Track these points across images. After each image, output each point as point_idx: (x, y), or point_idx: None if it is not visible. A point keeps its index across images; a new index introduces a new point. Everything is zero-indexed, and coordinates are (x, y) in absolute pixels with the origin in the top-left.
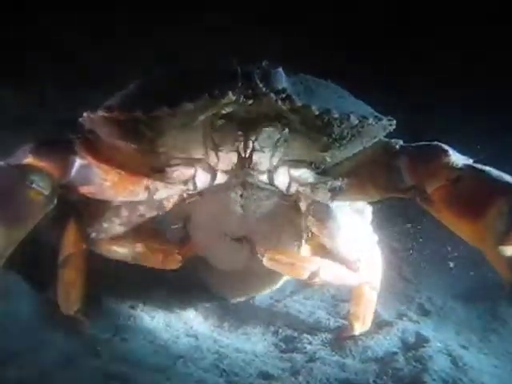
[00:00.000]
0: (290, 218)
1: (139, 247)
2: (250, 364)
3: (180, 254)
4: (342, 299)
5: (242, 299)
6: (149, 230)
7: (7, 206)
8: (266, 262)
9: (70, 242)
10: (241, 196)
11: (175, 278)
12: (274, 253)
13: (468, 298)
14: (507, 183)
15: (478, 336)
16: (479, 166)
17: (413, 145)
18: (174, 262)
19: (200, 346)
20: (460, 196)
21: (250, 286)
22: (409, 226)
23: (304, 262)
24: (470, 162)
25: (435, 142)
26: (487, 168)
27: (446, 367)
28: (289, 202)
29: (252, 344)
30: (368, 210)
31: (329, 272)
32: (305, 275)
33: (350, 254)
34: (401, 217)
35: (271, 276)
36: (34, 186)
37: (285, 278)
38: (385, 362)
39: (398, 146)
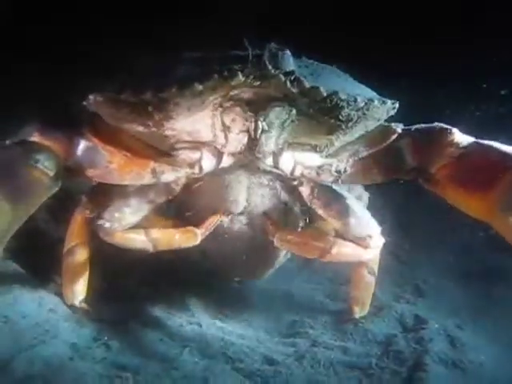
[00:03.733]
0: (292, 199)
1: (155, 232)
2: (254, 350)
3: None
4: (340, 282)
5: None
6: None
7: (12, 183)
8: (277, 242)
9: (74, 233)
10: (245, 180)
11: (176, 267)
12: (284, 233)
13: (462, 278)
14: None
15: (471, 316)
16: (484, 141)
17: (414, 126)
18: (195, 238)
19: (204, 334)
20: (466, 172)
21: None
22: (404, 208)
23: (316, 240)
24: (474, 139)
25: (436, 123)
26: (492, 142)
27: (445, 348)
28: (291, 186)
29: (254, 330)
30: (365, 195)
31: (341, 250)
32: (316, 254)
33: (359, 231)
34: (395, 201)
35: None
36: (39, 165)
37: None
38: (386, 345)
39: (399, 129)
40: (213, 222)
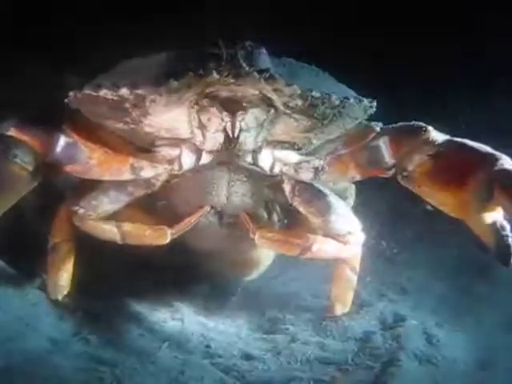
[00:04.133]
0: (271, 197)
1: (126, 226)
2: (233, 345)
3: (170, 228)
4: (326, 281)
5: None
6: (138, 209)
7: None
8: (257, 240)
9: (59, 229)
10: (225, 177)
11: (162, 263)
12: (265, 231)
13: (447, 277)
14: (486, 153)
15: (453, 313)
16: (458, 139)
17: (393, 125)
18: (164, 237)
19: (185, 330)
20: (441, 169)
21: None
22: (389, 207)
23: (295, 238)
24: (449, 137)
25: (414, 122)
26: (466, 140)
27: (420, 345)
28: (272, 183)
29: (237, 326)
30: (352, 190)
31: (321, 247)
32: (297, 251)
33: (339, 228)
34: (380, 198)
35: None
36: (17, 160)
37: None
38: (363, 341)
39: (378, 128)
40: (187, 223)
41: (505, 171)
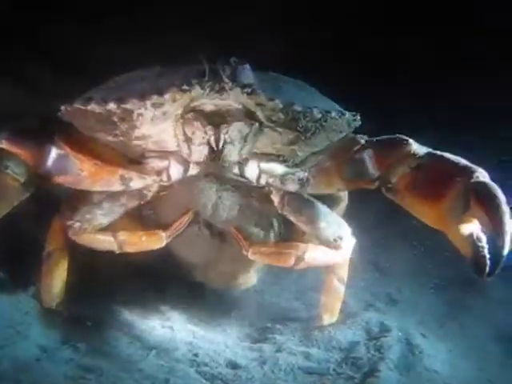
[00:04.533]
0: (261, 209)
1: (122, 235)
2: (220, 354)
3: (164, 232)
4: (317, 290)
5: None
6: (131, 219)
7: None
8: (251, 256)
9: (53, 238)
10: (214, 188)
11: (154, 273)
12: (257, 246)
13: (436, 288)
14: (464, 166)
15: (439, 324)
16: (438, 152)
17: (377, 138)
18: (160, 241)
19: (174, 338)
20: (422, 181)
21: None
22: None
23: (288, 248)
24: (430, 150)
25: (397, 135)
26: (445, 154)
27: (402, 356)
28: (260, 195)
29: (226, 335)
30: (344, 195)
31: (313, 255)
32: (291, 262)
33: (330, 234)
34: (371, 209)
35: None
36: (9, 171)
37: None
38: (347, 351)
39: (363, 141)
40: (180, 225)
41: (480, 184)
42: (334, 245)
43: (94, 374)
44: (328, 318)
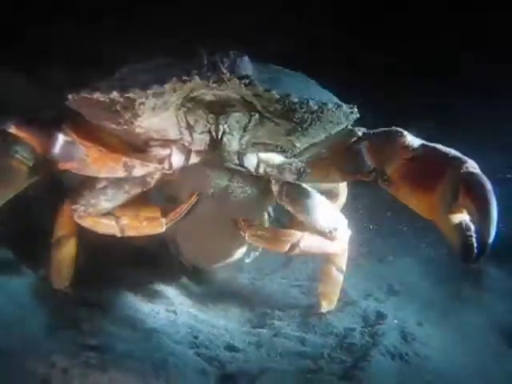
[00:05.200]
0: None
1: (124, 219)
2: (219, 338)
3: (164, 218)
4: (316, 279)
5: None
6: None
7: None
8: (248, 237)
9: (62, 224)
10: (214, 176)
11: (160, 259)
12: (255, 229)
13: (436, 279)
14: (454, 157)
15: (437, 314)
16: (431, 144)
17: (373, 130)
18: (160, 226)
19: (176, 321)
20: (415, 172)
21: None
22: (383, 209)
23: (284, 235)
24: (423, 141)
25: (393, 127)
26: (437, 145)
27: (395, 342)
28: (260, 183)
29: (227, 320)
30: (344, 187)
31: (308, 243)
32: (285, 248)
33: (326, 224)
34: (374, 201)
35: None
36: (17, 155)
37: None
38: (342, 337)
39: (360, 133)
40: (179, 212)
41: (469, 174)
42: (329, 235)
43: (96, 352)
44: (326, 306)
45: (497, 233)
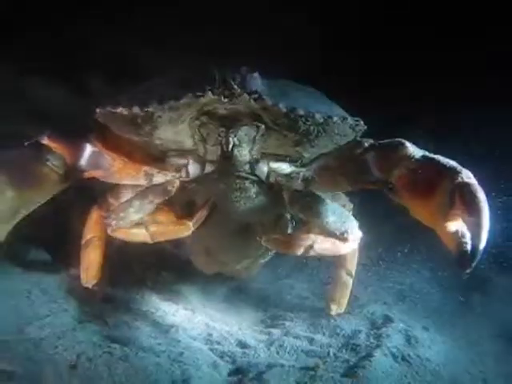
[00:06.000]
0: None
1: (153, 226)
2: (232, 335)
3: (190, 221)
4: (328, 283)
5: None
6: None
7: (24, 175)
8: (264, 242)
9: (91, 228)
10: (228, 184)
11: (181, 262)
12: (271, 233)
13: (445, 286)
14: (451, 167)
15: (443, 320)
16: (431, 155)
17: (379, 142)
18: (187, 229)
19: (193, 319)
20: (417, 182)
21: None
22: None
23: (298, 239)
24: (425, 152)
25: (397, 139)
26: (437, 156)
27: (399, 344)
28: (273, 192)
29: (241, 319)
30: (348, 204)
31: (321, 246)
32: (300, 251)
33: (337, 227)
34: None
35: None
36: (48, 163)
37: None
38: (348, 338)
39: (366, 144)
40: (202, 214)
41: (463, 183)
42: (341, 237)
43: (119, 344)
44: (336, 309)
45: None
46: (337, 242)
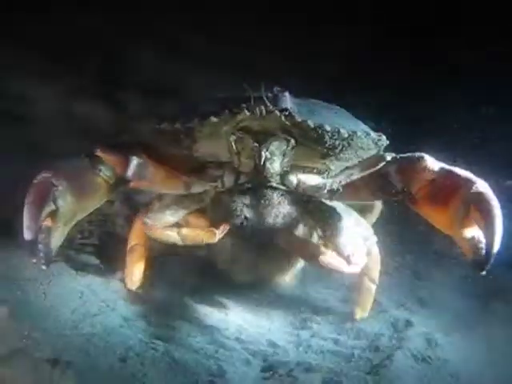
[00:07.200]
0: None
1: (184, 230)
2: (263, 336)
3: (217, 229)
4: (352, 289)
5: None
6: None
7: (80, 183)
8: (280, 240)
9: (135, 235)
10: (260, 194)
11: (218, 269)
12: (287, 234)
13: (467, 293)
14: (466, 178)
15: (464, 325)
16: (448, 167)
17: (400, 155)
18: (214, 237)
19: (227, 320)
20: (435, 192)
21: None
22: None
23: (308, 247)
24: (443, 165)
25: (417, 152)
26: (454, 168)
27: (419, 347)
28: (299, 203)
29: (271, 321)
30: (377, 206)
31: (326, 260)
32: (307, 257)
33: (345, 249)
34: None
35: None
36: (101, 173)
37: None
38: (371, 341)
39: (389, 157)
40: (227, 224)
41: (478, 193)
42: (346, 259)
43: (161, 341)
44: (360, 313)
45: None
46: (342, 260)
